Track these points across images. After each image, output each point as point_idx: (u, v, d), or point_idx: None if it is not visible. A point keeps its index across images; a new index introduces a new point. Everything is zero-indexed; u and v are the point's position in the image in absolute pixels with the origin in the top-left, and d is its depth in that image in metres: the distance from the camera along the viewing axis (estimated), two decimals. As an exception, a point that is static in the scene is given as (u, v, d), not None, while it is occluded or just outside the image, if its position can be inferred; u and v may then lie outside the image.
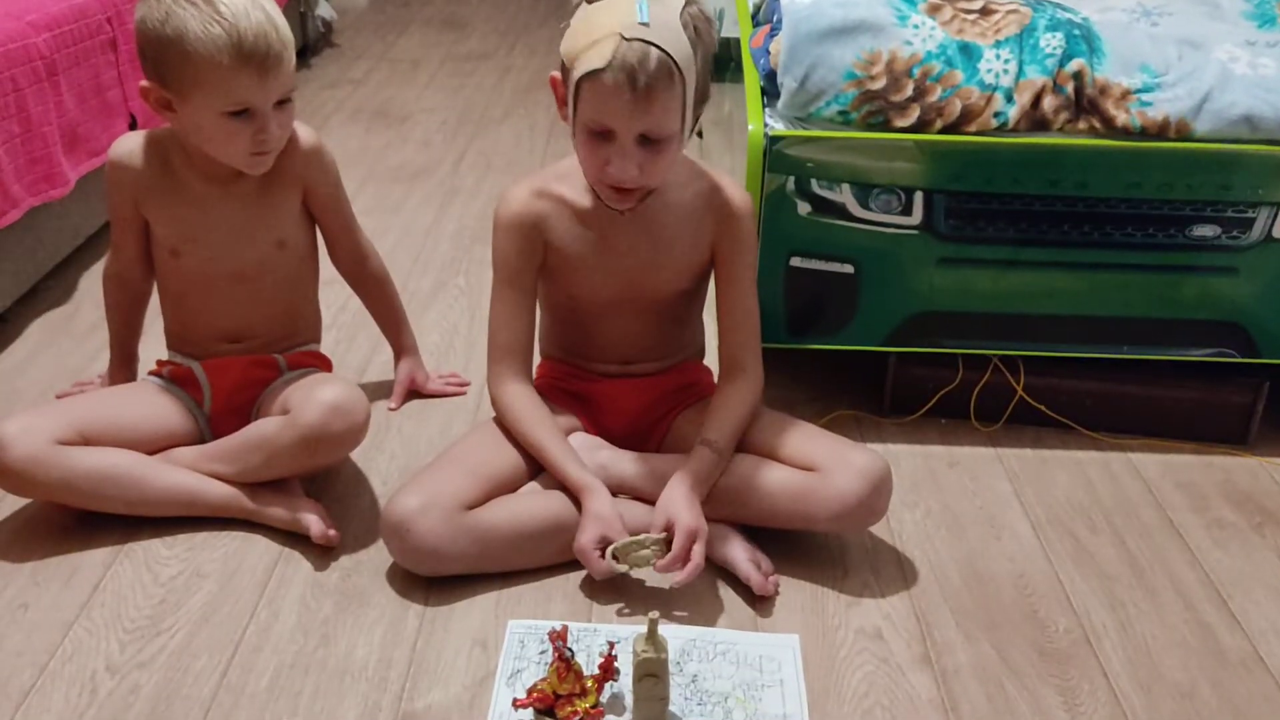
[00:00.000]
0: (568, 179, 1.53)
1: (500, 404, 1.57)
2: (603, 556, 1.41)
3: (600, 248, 1.53)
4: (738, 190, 1.56)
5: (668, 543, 1.41)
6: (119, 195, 1.60)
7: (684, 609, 1.44)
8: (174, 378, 1.65)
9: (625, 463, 1.57)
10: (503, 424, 1.57)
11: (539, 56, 3.94)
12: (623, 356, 1.63)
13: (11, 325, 2.08)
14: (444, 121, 3.28)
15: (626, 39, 1.31)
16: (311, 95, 3.45)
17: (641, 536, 1.42)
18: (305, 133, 1.63)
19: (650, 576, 1.47)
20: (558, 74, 1.43)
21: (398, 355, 1.91)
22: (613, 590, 1.46)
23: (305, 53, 3.76)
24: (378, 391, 1.91)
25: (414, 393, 1.90)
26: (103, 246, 2.28)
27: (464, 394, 1.91)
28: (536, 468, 1.55)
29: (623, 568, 1.41)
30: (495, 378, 1.57)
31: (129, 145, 1.58)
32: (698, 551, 1.40)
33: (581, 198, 1.52)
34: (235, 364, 1.65)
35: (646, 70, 1.31)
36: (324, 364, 1.75)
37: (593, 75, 1.33)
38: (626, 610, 1.43)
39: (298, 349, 1.71)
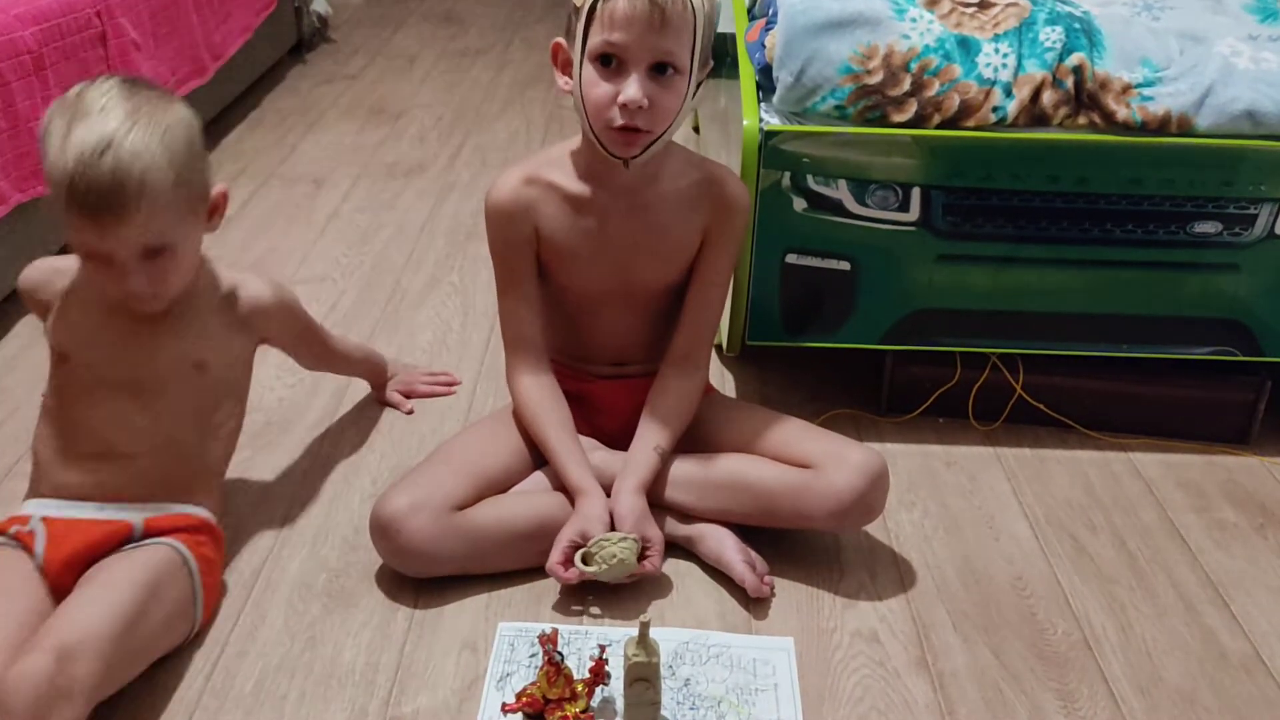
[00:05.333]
0: (559, 165, 1.51)
1: (514, 398, 1.56)
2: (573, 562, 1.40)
3: (592, 235, 1.50)
4: (736, 184, 1.54)
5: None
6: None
7: (678, 611, 1.42)
8: (17, 539, 1.31)
9: (619, 465, 1.54)
10: (517, 417, 1.56)
11: (536, 52, 3.91)
12: (616, 356, 1.61)
13: (-1, 323, 2.06)
14: (439, 117, 3.25)
15: None
16: (306, 91, 3.43)
17: (612, 534, 1.39)
18: (256, 289, 1.43)
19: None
20: (561, 40, 1.42)
21: (380, 386, 1.86)
22: (606, 592, 1.44)
23: (300, 48, 3.74)
24: (366, 404, 1.89)
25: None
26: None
27: (454, 393, 1.89)
28: (538, 461, 1.54)
29: (591, 569, 1.38)
30: (509, 370, 1.57)
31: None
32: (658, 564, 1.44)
33: (573, 184, 1.50)
34: (76, 531, 1.31)
35: None
36: (195, 536, 1.35)
37: None
38: (601, 614, 1.42)
39: (175, 508, 1.37)
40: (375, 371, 1.84)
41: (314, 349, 1.65)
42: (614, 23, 1.34)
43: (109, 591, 1.22)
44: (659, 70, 1.37)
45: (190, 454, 1.39)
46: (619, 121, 1.37)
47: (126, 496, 1.34)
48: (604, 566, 1.38)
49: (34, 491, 1.38)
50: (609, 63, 1.37)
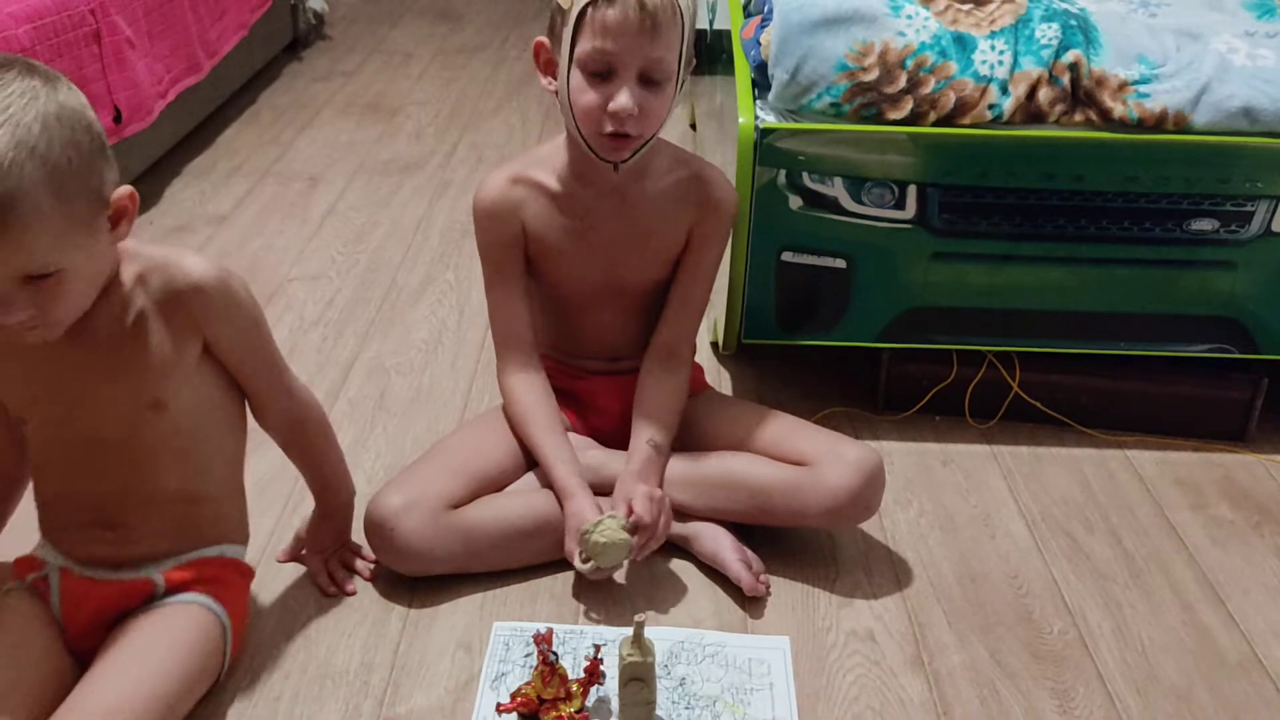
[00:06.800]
0: (546, 165, 1.50)
1: (504, 397, 1.56)
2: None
3: (579, 234, 1.50)
4: (723, 182, 1.53)
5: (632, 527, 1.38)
6: None
7: (673, 610, 1.42)
8: (33, 589, 1.23)
9: (615, 463, 1.54)
10: (507, 416, 1.56)
11: (532, 49, 3.91)
12: (609, 353, 1.60)
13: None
14: (436, 114, 3.25)
15: None
16: (302, 89, 3.42)
17: (602, 516, 1.38)
18: (197, 268, 1.17)
19: (631, 571, 1.45)
20: (544, 38, 1.41)
21: (321, 514, 1.44)
22: (600, 591, 1.44)
23: (296, 45, 3.73)
24: (361, 403, 1.89)
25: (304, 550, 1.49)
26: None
27: (349, 592, 1.44)
28: (531, 461, 1.53)
29: (591, 565, 1.38)
30: (500, 369, 1.56)
31: None
32: (663, 522, 1.40)
33: (559, 183, 1.49)
34: (94, 592, 1.22)
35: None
36: (224, 584, 1.27)
37: (599, 3, 1.32)
38: (597, 616, 1.41)
39: (195, 554, 1.26)
40: (338, 490, 1.44)
41: (270, 378, 1.29)
42: (605, 30, 1.33)
43: (141, 662, 1.15)
44: (648, 77, 1.36)
45: (196, 499, 1.26)
46: (609, 129, 1.37)
47: (142, 560, 1.24)
48: (601, 557, 1.36)
49: (45, 533, 1.27)
50: (599, 70, 1.36)
